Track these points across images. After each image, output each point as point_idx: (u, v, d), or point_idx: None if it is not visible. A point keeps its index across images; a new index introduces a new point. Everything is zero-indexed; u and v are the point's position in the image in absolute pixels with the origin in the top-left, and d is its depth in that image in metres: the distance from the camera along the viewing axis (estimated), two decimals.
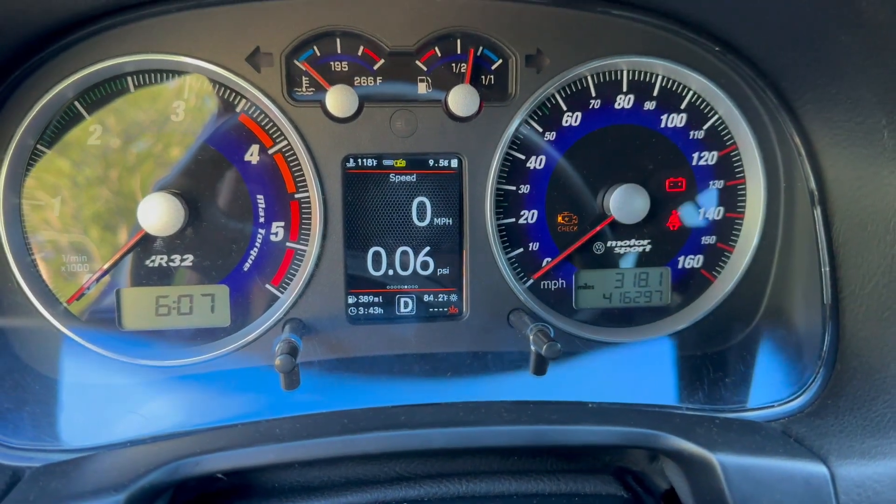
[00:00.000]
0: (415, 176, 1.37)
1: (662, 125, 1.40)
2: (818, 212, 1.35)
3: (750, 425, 1.19)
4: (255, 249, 1.35)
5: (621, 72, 1.38)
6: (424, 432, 1.07)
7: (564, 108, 1.38)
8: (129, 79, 1.28)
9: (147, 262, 1.32)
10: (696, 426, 1.12)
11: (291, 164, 1.33)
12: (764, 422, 1.23)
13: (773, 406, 1.28)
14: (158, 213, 1.25)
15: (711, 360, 1.41)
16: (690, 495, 1.11)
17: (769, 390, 1.33)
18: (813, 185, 1.36)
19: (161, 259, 1.32)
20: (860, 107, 1.19)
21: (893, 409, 1.13)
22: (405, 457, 1.15)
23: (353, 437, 1.06)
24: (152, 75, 1.29)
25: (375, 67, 1.33)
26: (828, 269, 1.33)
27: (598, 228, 1.40)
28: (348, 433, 1.06)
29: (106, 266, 1.30)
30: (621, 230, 1.42)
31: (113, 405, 1.26)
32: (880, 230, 1.22)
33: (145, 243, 1.31)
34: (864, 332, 1.25)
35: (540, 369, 1.26)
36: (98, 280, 1.31)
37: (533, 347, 1.25)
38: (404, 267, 1.40)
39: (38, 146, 1.28)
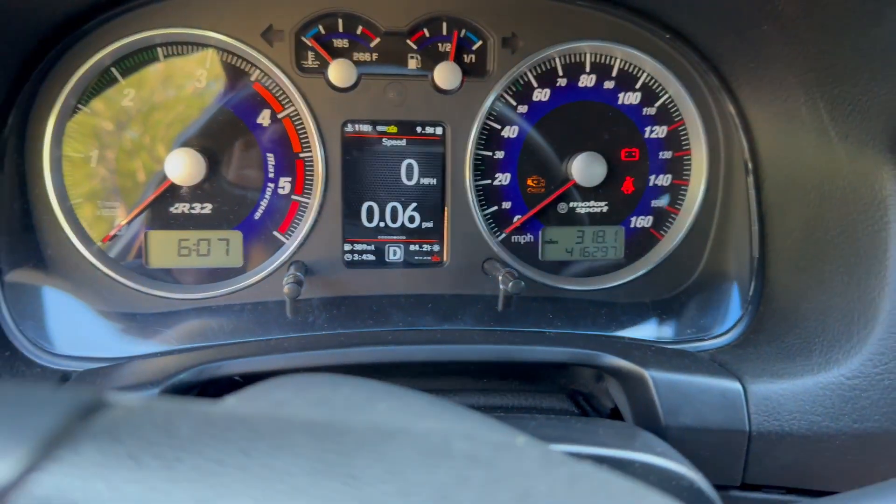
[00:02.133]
0: (404, 140, 1.57)
1: (619, 102, 1.61)
2: (751, 179, 1.57)
3: (681, 352, 1.40)
4: (265, 201, 1.55)
5: (585, 54, 1.59)
6: (407, 348, 1.29)
7: (535, 85, 1.59)
8: (159, 49, 1.48)
9: (171, 208, 1.52)
10: (633, 350, 1.34)
11: (298, 128, 1.54)
12: (695, 351, 1.45)
13: (704, 340, 1.50)
14: (183, 166, 1.45)
15: (656, 306, 1.63)
16: (628, 407, 1.33)
17: (704, 330, 1.55)
18: (747, 155, 1.58)
19: (184, 206, 1.52)
20: (784, 88, 1.41)
21: (800, 341, 1.35)
22: (391, 373, 1.37)
23: (348, 350, 1.27)
24: (179, 47, 1.49)
25: (372, 45, 1.54)
26: (756, 227, 1.55)
27: (562, 190, 1.61)
28: (343, 347, 1.28)
29: (136, 211, 1.50)
30: (582, 193, 1.63)
31: (142, 328, 1.47)
32: (799, 194, 1.44)
33: (171, 192, 1.51)
34: (784, 279, 1.48)
35: (507, 304, 1.47)
36: (129, 223, 1.51)
37: (501, 286, 1.46)
38: (394, 220, 1.60)
39: (79, 106, 1.47)
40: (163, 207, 1.52)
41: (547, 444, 0.59)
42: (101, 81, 1.48)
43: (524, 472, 0.50)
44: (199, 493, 0.42)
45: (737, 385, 1.28)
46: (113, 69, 1.47)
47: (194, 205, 1.53)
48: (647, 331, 1.56)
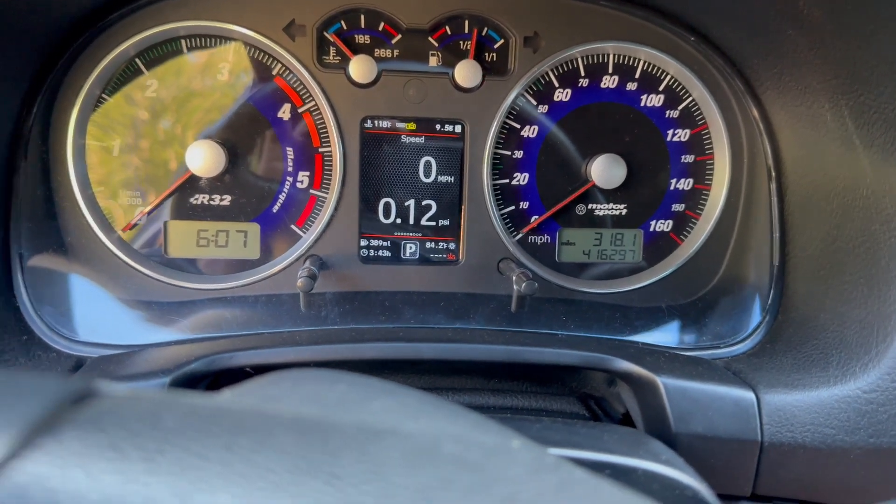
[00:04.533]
0: (423, 138, 1.57)
1: (642, 104, 1.60)
2: (773, 185, 1.55)
3: (694, 359, 1.38)
4: (284, 194, 1.56)
5: (608, 55, 1.57)
6: (418, 345, 1.29)
7: (556, 85, 1.57)
8: (183, 41, 1.50)
9: (191, 199, 1.53)
10: (646, 355, 1.33)
11: (317, 122, 1.54)
12: (710, 359, 1.43)
13: (719, 348, 1.48)
14: (203, 157, 1.47)
15: (672, 311, 1.61)
16: (639, 413, 1.32)
17: (720, 337, 1.53)
18: (771, 161, 1.55)
19: (203, 198, 1.54)
20: (808, 93, 1.39)
21: (818, 351, 1.33)
22: (401, 369, 1.37)
23: (358, 345, 1.28)
24: (203, 39, 1.50)
25: (393, 41, 1.54)
26: (778, 234, 1.53)
27: (581, 192, 1.60)
28: (354, 342, 1.28)
29: (156, 201, 1.52)
30: (601, 194, 1.62)
31: (158, 316, 1.49)
32: (822, 202, 1.41)
33: (191, 183, 1.52)
34: (803, 288, 1.45)
35: (520, 305, 1.47)
36: (149, 213, 1.53)
37: (515, 287, 1.46)
38: (410, 217, 1.60)
39: (103, 95, 1.49)
40: (183, 198, 1.53)
41: (545, 448, 0.58)
42: (126, 72, 1.49)
43: (511, 477, 0.49)
44: (179, 486, 0.42)
45: (750, 394, 1.26)
46: (137, 60, 1.49)
47: (214, 196, 1.54)
48: (661, 336, 1.55)
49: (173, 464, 0.43)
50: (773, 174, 1.55)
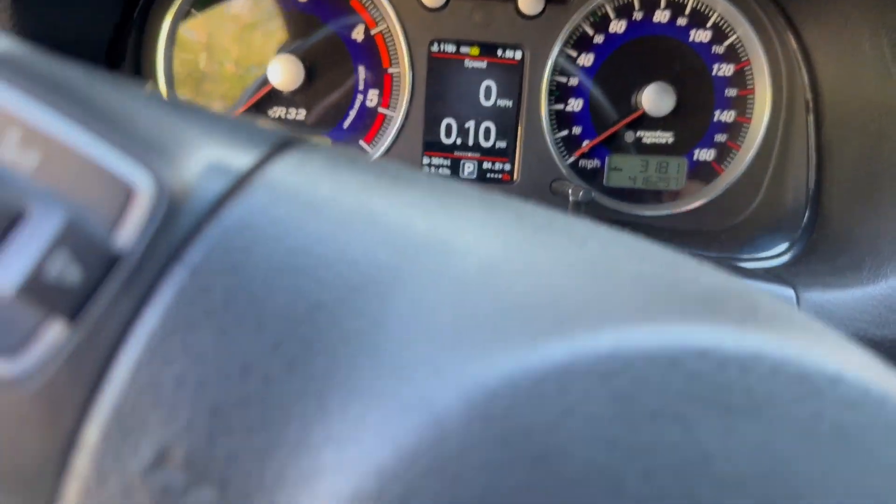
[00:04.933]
0: (485, 63, 1.68)
1: (691, 39, 1.71)
2: (811, 117, 1.66)
3: (737, 266, 1.50)
4: (354, 111, 1.67)
5: None
6: None
7: (612, 17, 1.68)
8: None
9: (269, 112, 1.65)
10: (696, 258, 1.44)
11: (388, 44, 1.65)
12: (750, 269, 1.55)
13: (759, 260, 1.60)
14: (284, 72, 1.58)
15: (715, 233, 1.73)
16: None
17: (758, 253, 1.64)
18: (809, 95, 1.66)
19: (281, 111, 1.65)
20: (849, 24, 1.50)
21: (852, 260, 1.44)
22: None
23: None
24: None
25: None
26: (814, 161, 1.64)
27: (631, 118, 1.71)
28: None
29: (238, 112, 1.63)
30: (649, 123, 1.73)
31: None
32: (858, 129, 1.53)
33: (270, 97, 1.63)
34: (838, 207, 1.57)
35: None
36: None
37: (571, 198, 1.57)
38: (469, 138, 1.71)
39: (192, 10, 1.60)
40: (262, 111, 1.65)
41: None
42: None
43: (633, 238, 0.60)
44: (406, 196, 0.52)
45: (790, 291, 1.37)
46: None
47: (290, 110, 1.65)
48: (701, 250, 1.66)
49: (393, 182, 0.54)
50: (811, 106, 1.66)
